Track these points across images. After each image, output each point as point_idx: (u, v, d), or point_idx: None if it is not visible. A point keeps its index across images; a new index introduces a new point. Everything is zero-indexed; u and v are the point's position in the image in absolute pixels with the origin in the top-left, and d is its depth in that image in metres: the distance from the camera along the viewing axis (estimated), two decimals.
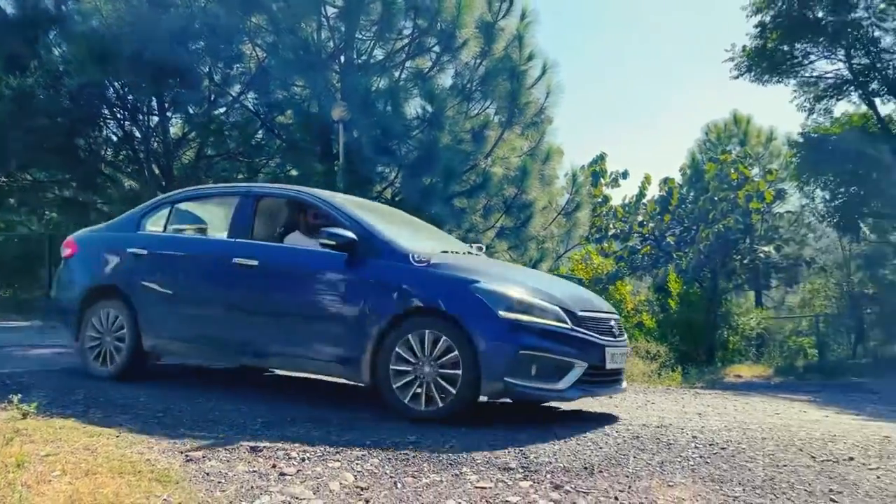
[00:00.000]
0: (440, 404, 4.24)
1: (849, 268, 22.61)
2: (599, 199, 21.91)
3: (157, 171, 15.46)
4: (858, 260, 21.97)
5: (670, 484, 3.11)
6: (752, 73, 19.47)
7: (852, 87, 19.06)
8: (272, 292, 4.96)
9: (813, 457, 3.66)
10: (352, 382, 5.10)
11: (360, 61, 13.36)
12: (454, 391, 4.19)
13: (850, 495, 3.05)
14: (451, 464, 3.38)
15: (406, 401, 4.31)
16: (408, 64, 13.76)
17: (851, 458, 3.64)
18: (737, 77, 19.78)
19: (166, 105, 15.02)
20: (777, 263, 20.71)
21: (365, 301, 4.55)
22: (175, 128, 16.80)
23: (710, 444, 3.90)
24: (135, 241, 5.67)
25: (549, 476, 3.20)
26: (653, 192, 23.08)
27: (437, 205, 11.75)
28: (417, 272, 4.50)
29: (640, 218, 22.76)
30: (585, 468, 3.34)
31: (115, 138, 15.80)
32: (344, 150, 11.92)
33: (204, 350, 5.46)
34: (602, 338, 4.55)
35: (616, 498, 2.91)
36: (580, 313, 4.47)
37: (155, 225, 5.85)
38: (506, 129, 13.65)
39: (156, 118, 15.39)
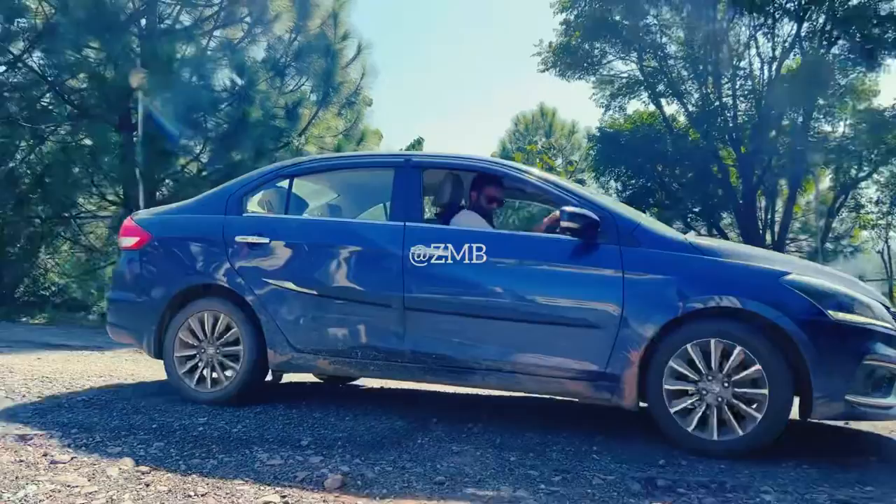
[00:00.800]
0: (739, 432, 3.34)
1: None
2: None
3: None
4: None
5: (454, 452, 3.30)
6: (557, 69, 20.73)
7: (643, 88, 20.91)
8: (475, 289, 3.85)
9: None
10: (604, 405, 3.77)
11: (163, 26, 12.60)
12: (759, 415, 3.32)
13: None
14: (241, 443, 3.33)
15: (698, 432, 3.42)
16: (217, 33, 13.20)
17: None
18: (543, 71, 20.99)
19: None
20: None
21: (624, 300, 3.56)
22: None
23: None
24: (245, 225, 4.38)
25: (340, 451, 3.25)
26: None
27: None
28: (697, 262, 3.57)
29: None
30: (377, 441, 3.44)
31: None
32: (143, 120, 11.21)
33: (367, 367, 4.08)
34: None
35: (404, 468, 3.03)
36: (893, 309, 3.72)
37: (262, 205, 4.68)
38: (321, 107, 13.53)
39: None
